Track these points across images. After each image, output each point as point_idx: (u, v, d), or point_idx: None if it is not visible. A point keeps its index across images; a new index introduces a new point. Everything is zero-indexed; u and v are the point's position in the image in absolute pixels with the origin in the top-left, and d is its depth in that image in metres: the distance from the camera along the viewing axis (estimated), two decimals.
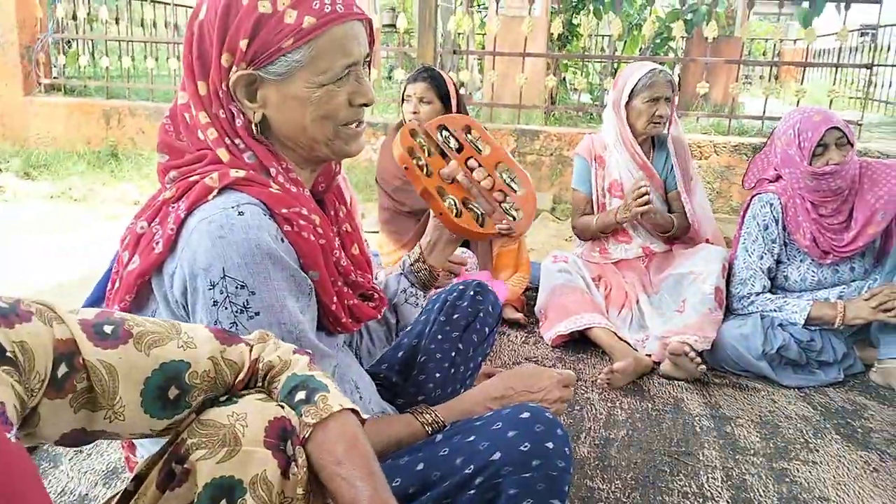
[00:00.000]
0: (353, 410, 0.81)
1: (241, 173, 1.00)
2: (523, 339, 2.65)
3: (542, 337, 2.61)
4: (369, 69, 1.12)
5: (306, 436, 0.77)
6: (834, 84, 4.85)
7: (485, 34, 7.27)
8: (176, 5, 6.12)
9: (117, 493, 0.79)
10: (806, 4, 4.93)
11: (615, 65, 5.09)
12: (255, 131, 1.04)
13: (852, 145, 2.26)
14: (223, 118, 1.03)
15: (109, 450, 1.72)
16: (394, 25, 6.48)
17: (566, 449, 1.01)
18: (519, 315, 2.75)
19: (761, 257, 2.41)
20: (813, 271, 2.41)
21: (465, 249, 2.53)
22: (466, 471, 1.00)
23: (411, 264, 1.35)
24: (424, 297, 1.39)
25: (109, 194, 4.70)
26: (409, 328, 1.56)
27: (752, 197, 2.48)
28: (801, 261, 2.42)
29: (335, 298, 1.09)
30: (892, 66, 7.57)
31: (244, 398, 0.78)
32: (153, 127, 5.40)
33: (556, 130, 4.80)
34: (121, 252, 1.05)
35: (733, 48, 6.61)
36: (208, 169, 1.01)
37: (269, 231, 0.97)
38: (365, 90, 1.07)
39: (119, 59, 5.92)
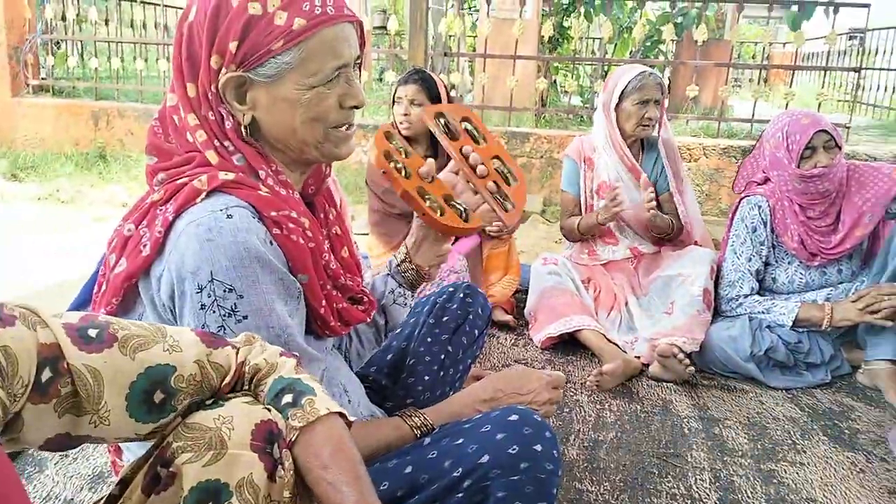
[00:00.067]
0: (340, 414, 0.81)
1: (230, 176, 0.99)
2: (513, 341, 2.65)
3: (531, 339, 2.62)
4: (360, 71, 1.11)
5: (293, 439, 0.77)
6: (822, 87, 4.88)
7: (476, 36, 7.29)
8: (166, 6, 6.08)
9: (102, 498, 0.78)
10: (795, 8, 4.96)
11: (605, 67, 5.12)
12: (244, 133, 1.03)
13: (840, 148, 2.28)
14: (212, 120, 1.02)
15: (95, 454, 1.71)
16: (385, 27, 6.48)
17: (554, 451, 1.01)
18: (508, 317, 2.76)
19: (749, 259, 2.43)
20: (801, 273, 2.42)
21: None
22: (454, 474, 1.00)
23: (398, 265, 1.35)
24: (412, 296, 1.39)
25: (97, 196, 4.67)
26: (398, 330, 1.56)
27: (741, 199, 2.49)
28: (788, 263, 2.44)
29: (324, 302, 1.08)
30: (880, 69, 7.63)
31: (230, 401, 0.78)
32: (142, 128, 5.37)
33: (547, 133, 4.81)
34: (107, 254, 1.04)
35: (723, 51, 6.64)
36: (197, 171, 1.00)
37: (257, 234, 0.96)
38: (355, 92, 1.06)
39: (108, 61, 5.88)
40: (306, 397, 0.79)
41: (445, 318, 1.55)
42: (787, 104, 4.54)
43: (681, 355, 2.24)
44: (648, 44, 7.17)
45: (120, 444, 1.12)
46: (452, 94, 4.30)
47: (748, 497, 1.68)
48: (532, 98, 5.81)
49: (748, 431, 2.01)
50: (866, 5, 4.66)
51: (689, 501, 1.65)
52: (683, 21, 6.45)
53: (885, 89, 7.76)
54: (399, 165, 1.22)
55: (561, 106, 6.57)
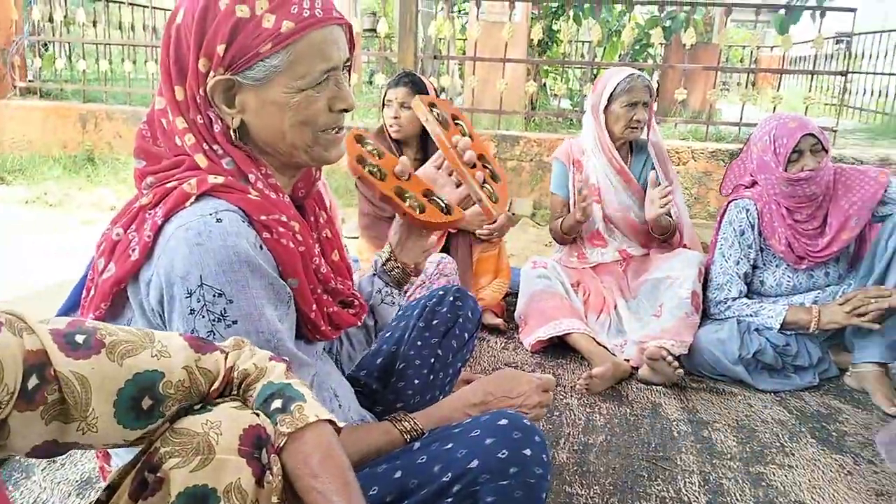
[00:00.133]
0: (329, 421, 0.81)
1: (220, 179, 0.98)
2: (503, 344, 2.65)
3: (521, 342, 2.62)
4: (349, 74, 1.11)
5: (281, 445, 0.77)
6: (810, 91, 4.92)
7: (465, 39, 7.30)
8: (154, 8, 6.06)
9: None
10: (782, 12, 4.99)
11: (595, 71, 5.14)
12: (233, 137, 1.02)
13: (827, 152, 2.29)
14: (201, 124, 1.01)
15: (83, 459, 1.69)
16: (375, 30, 6.48)
17: (544, 456, 1.01)
18: (499, 321, 2.76)
19: (738, 263, 2.44)
20: (788, 276, 2.44)
21: (444, 255, 2.53)
22: (444, 479, 1.00)
23: (383, 264, 1.34)
24: (400, 294, 1.38)
25: (85, 199, 4.64)
26: (388, 333, 1.56)
27: (729, 203, 2.51)
28: (776, 266, 2.45)
29: (314, 306, 1.08)
30: (867, 73, 7.69)
31: (218, 406, 0.77)
32: (130, 131, 5.34)
33: (537, 136, 4.82)
34: (96, 259, 1.03)
35: (711, 55, 6.68)
36: (186, 175, 0.99)
37: (247, 238, 0.95)
38: (345, 95, 1.05)
39: (96, 63, 5.85)
40: (296, 403, 0.79)
41: (435, 322, 1.54)
42: (774, 108, 4.58)
43: (669, 358, 2.25)
44: (637, 47, 7.19)
45: (108, 450, 1.11)
46: (442, 96, 4.30)
47: (737, 500, 1.69)
48: (522, 101, 5.83)
49: (737, 434, 2.02)
50: (852, 10, 4.70)
51: None
52: (672, 25, 6.48)
53: (872, 93, 7.82)
54: (373, 168, 1.21)
55: (550, 109, 6.58)
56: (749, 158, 2.46)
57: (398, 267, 1.33)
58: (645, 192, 2.75)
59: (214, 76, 0.99)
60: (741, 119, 4.77)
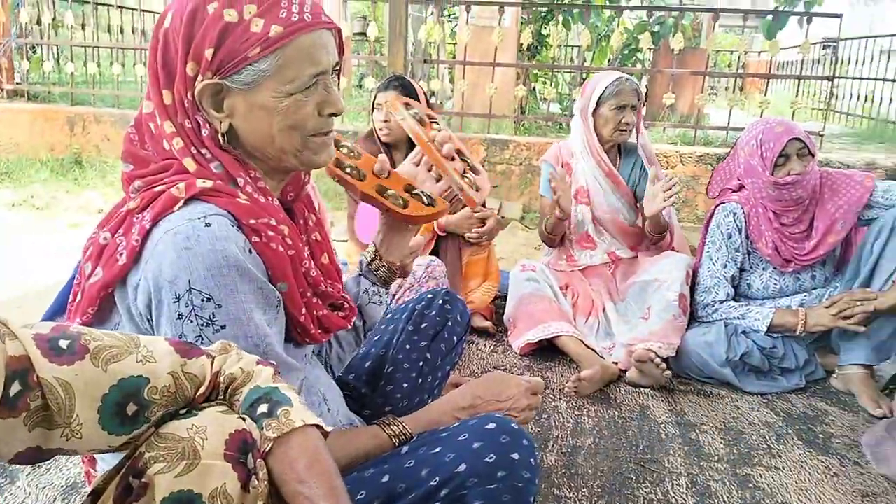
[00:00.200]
0: (316, 426, 0.80)
1: (208, 183, 0.98)
2: (492, 347, 2.65)
3: (510, 345, 2.62)
4: (339, 78, 1.11)
5: (267, 449, 0.76)
6: (797, 95, 4.96)
7: (455, 44, 7.31)
8: (143, 11, 6.04)
9: None
10: (770, 18, 5.03)
11: (584, 75, 5.15)
12: (221, 141, 1.02)
13: (813, 156, 2.31)
14: (189, 128, 1.01)
15: (69, 465, 1.68)
16: (365, 34, 6.48)
17: (532, 460, 1.01)
18: (487, 324, 2.76)
19: (725, 266, 2.45)
20: (775, 279, 2.46)
21: (433, 258, 2.53)
22: (432, 483, 1.00)
23: (368, 264, 1.34)
24: (387, 293, 1.39)
25: (73, 202, 4.61)
26: (377, 337, 1.55)
27: (716, 206, 2.52)
28: (763, 269, 2.47)
29: (304, 310, 1.07)
30: (853, 78, 7.76)
31: (204, 411, 0.77)
32: (118, 134, 5.32)
33: (526, 140, 4.83)
34: (83, 263, 1.02)
35: (699, 60, 6.71)
36: (174, 179, 0.99)
37: (236, 242, 0.95)
38: (334, 99, 1.05)
39: (84, 65, 5.82)
40: (282, 408, 0.79)
41: (424, 325, 1.54)
42: (761, 112, 4.61)
43: (657, 360, 2.26)
44: (626, 52, 7.22)
45: (94, 455, 1.10)
46: (432, 100, 4.30)
47: (724, 501, 1.69)
48: (511, 105, 5.84)
49: (724, 436, 2.03)
50: (839, 15, 4.75)
51: None
52: (660, 30, 6.51)
53: (858, 98, 7.89)
54: (352, 169, 1.22)
55: (540, 113, 6.60)
56: (736, 162, 2.48)
57: (384, 266, 1.34)
58: (634, 194, 2.76)
59: (202, 80, 0.98)
60: (729, 123, 4.80)
